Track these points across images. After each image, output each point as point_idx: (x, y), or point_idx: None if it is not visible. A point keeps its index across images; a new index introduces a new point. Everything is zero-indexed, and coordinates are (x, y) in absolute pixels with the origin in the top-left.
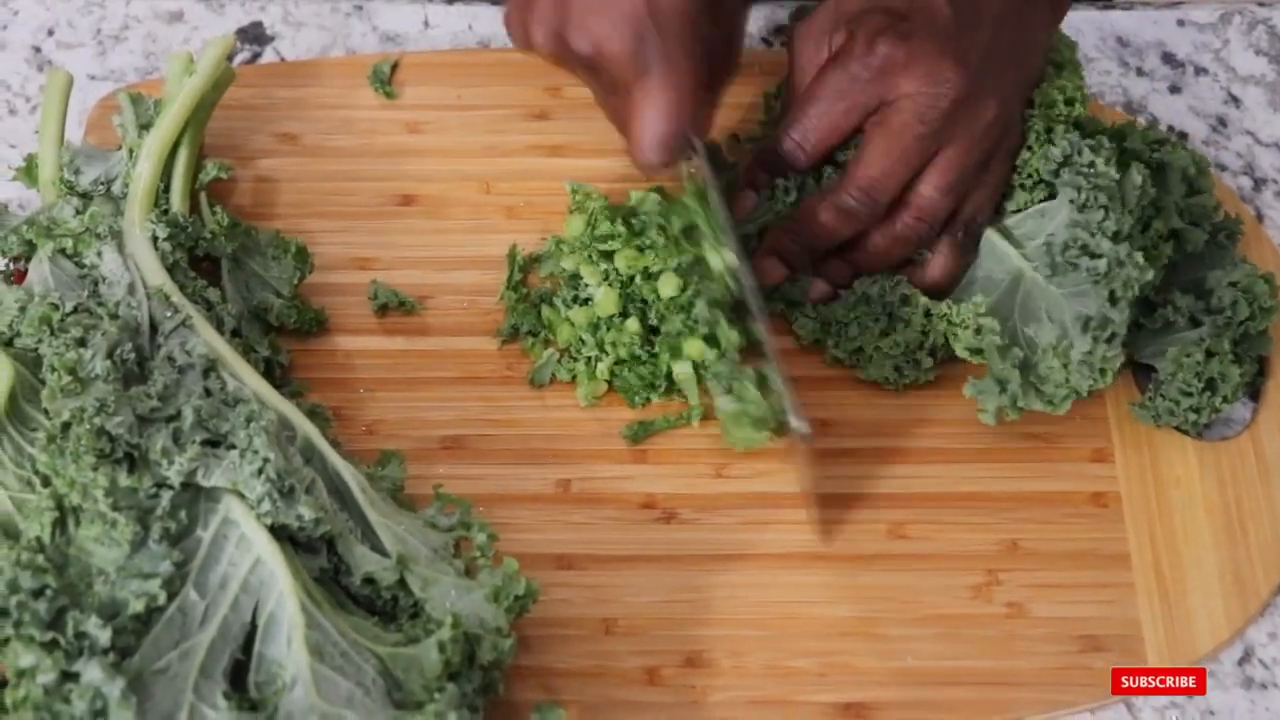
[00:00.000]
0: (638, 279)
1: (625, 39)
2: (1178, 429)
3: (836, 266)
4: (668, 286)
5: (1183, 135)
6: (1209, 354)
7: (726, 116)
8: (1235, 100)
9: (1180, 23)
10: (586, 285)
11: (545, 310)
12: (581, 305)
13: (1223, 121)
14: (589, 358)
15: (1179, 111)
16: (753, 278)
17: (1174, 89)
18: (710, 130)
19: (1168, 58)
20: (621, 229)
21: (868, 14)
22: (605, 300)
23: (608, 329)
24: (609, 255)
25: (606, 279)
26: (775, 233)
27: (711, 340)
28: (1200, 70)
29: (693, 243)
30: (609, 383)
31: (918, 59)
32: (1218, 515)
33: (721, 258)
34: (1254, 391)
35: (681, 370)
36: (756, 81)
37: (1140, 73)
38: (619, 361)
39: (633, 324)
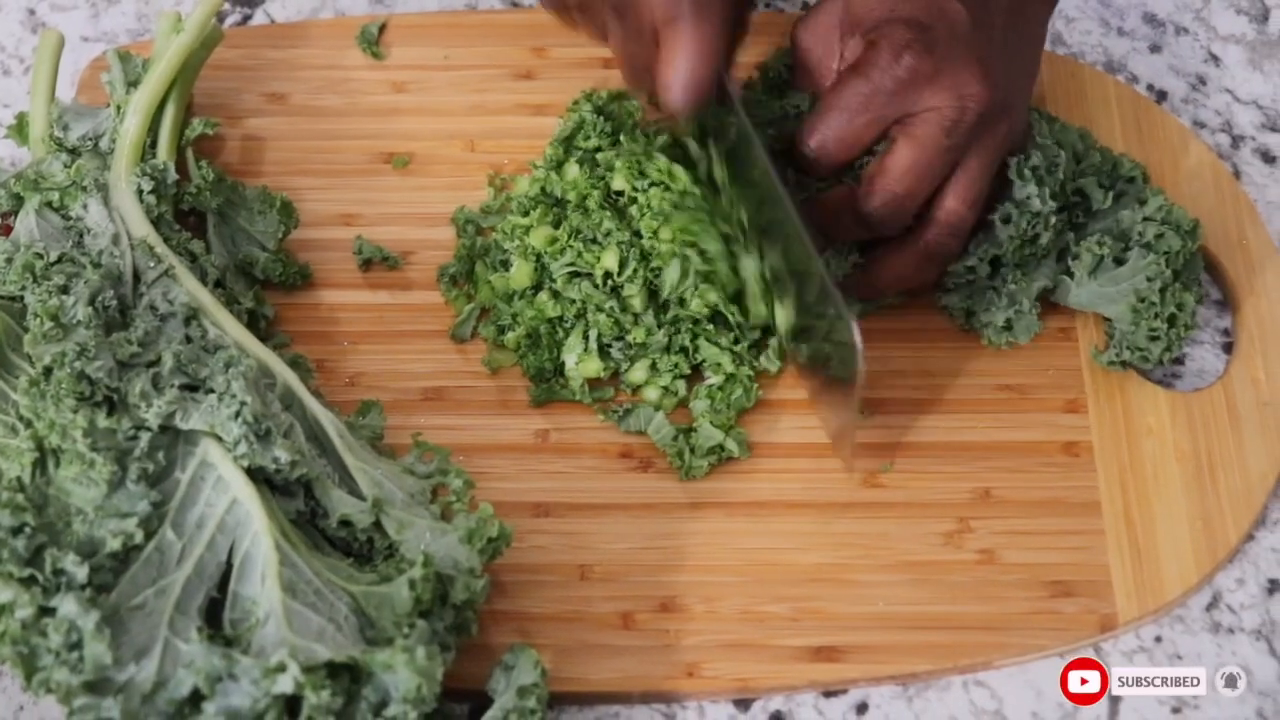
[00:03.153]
0: (555, 254)
1: None
2: (1146, 373)
3: (862, 283)
4: (609, 259)
5: (1162, 94)
6: (1162, 292)
7: None
8: (1215, 59)
9: None
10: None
11: (478, 265)
12: (503, 270)
13: (1202, 80)
14: (500, 325)
15: (1159, 70)
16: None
17: (1154, 48)
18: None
19: (1149, 17)
20: (538, 204)
21: (888, 24)
22: (518, 273)
23: (519, 299)
24: (526, 229)
25: (523, 252)
26: None
27: (604, 354)
28: (1181, 29)
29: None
30: (516, 352)
31: (943, 71)
32: (1189, 464)
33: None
34: (1227, 344)
35: (572, 371)
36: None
37: (1121, 32)
38: (528, 335)
39: (544, 298)
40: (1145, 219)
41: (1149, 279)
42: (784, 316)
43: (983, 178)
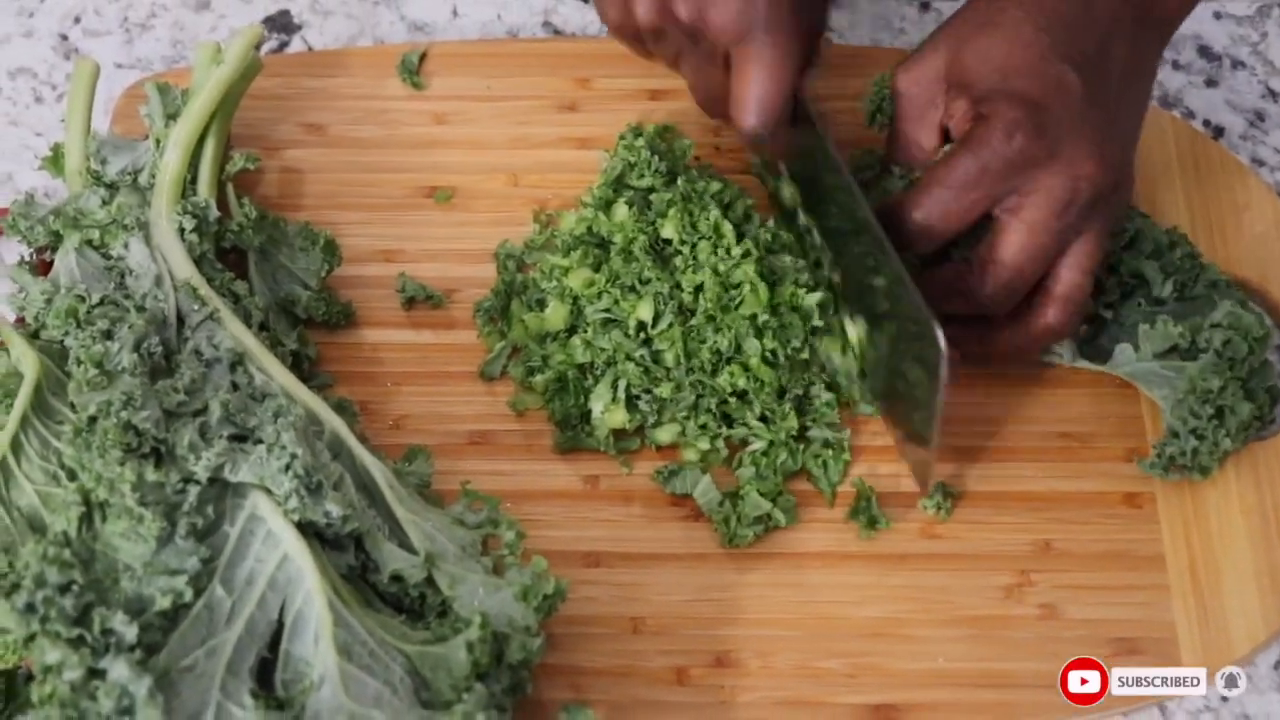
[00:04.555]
0: (591, 298)
1: (730, 3)
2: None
3: (975, 354)
4: (644, 309)
5: (1219, 130)
6: (1219, 395)
7: None
8: (1273, 94)
9: (1217, 15)
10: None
11: (515, 302)
12: (539, 310)
13: (1260, 116)
14: (530, 367)
15: (1216, 105)
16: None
17: (1210, 82)
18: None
19: (1204, 51)
20: (581, 244)
21: (1001, 98)
22: (553, 314)
23: (551, 341)
24: (565, 270)
25: (560, 293)
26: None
27: (631, 405)
28: (1238, 64)
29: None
30: (543, 395)
31: (1057, 153)
32: (1254, 516)
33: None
34: None
35: (597, 420)
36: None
37: (1176, 66)
38: (556, 379)
39: (576, 342)
40: (1213, 324)
41: (1206, 380)
42: (856, 332)
43: (1098, 250)
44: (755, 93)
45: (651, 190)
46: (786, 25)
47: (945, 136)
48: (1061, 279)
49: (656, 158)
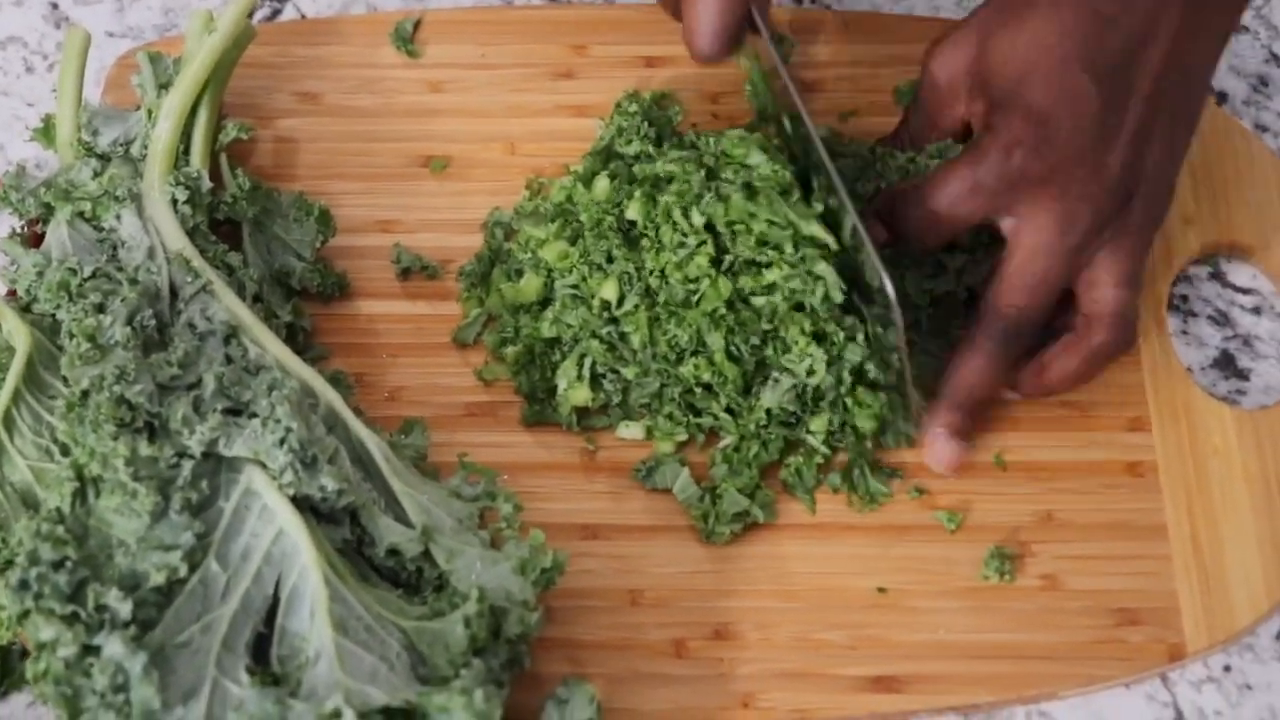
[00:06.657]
0: (563, 272)
1: None
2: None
3: (1032, 385)
4: (608, 289)
5: (1223, 95)
6: None
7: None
8: (1277, 59)
9: None
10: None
11: (496, 270)
12: (516, 280)
13: (1264, 81)
14: (503, 337)
15: (1219, 71)
16: (829, 159)
17: None
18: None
19: None
20: (561, 215)
21: (1009, 108)
22: (527, 285)
23: (524, 312)
24: (541, 241)
25: (535, 265)
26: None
27: (596, 384)
28: (1241, 28)
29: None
30: (512, 367)
31: (1057, 172)
32: (1257, 486)
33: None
34: None
35: (562, 398)
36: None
37: None
38: (526, 351)
39: (547, 316)
40: None
41: None
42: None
43: (1131, 260)
44: (705, 18)
45: (638, 158)
46: None
47: (966, 128)
48: (1099, 298)
49: (647, 124)
